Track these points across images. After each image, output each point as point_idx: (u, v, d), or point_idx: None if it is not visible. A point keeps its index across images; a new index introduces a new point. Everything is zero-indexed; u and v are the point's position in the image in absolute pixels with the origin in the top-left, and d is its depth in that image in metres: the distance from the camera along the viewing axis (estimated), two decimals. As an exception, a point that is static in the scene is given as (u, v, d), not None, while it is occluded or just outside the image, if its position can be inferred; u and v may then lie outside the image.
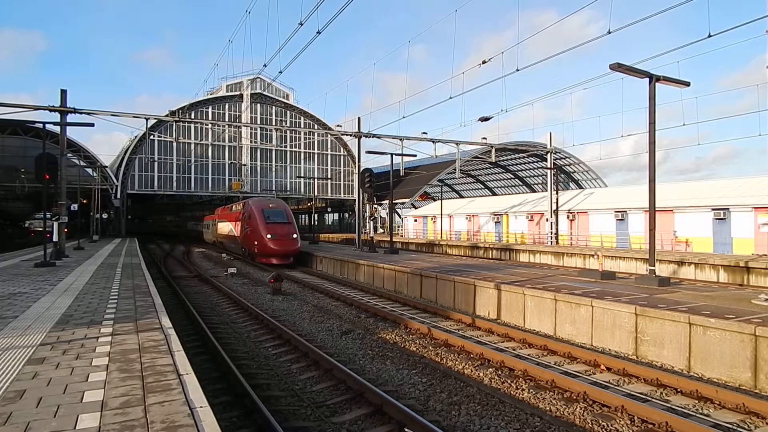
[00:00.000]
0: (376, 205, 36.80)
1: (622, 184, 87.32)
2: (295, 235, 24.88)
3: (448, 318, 11.81)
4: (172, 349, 5.28)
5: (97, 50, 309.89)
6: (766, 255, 19.28)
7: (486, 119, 22.72)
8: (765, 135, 21.96)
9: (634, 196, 30.84)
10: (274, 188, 57.00)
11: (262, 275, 21.12)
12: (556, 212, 32.42)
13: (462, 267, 16.60)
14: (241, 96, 55.02)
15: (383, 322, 11.38)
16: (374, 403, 6.15)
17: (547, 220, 32.36)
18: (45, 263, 14.96)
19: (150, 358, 4.88)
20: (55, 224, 17.40)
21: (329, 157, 61.19)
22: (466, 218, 44.72)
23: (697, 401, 6.42)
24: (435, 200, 56.07)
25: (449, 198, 60.34)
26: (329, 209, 72.34)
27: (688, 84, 12.79)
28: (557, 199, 33.20)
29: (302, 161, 59.66)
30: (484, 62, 16.71)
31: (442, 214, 45.47)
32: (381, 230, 51.48)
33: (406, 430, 5.37)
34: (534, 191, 51.91)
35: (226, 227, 33.36)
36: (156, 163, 51.55)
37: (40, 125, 17.47)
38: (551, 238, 31.53)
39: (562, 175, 50.51)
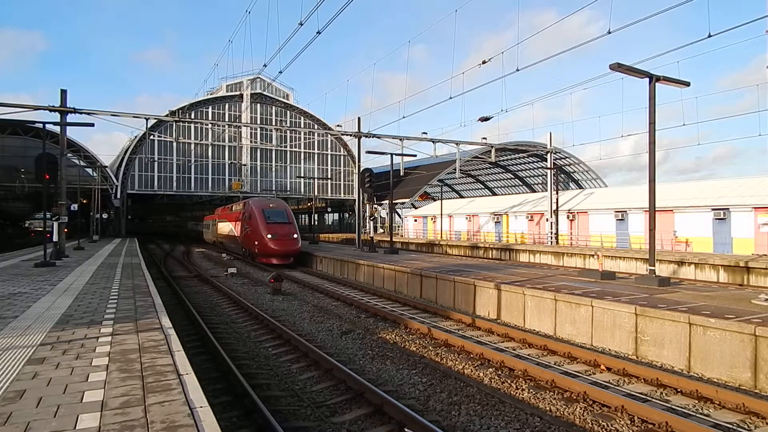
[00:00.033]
0: (376, 205, 36.81)
1: (622, 184, 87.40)
2: (295, 235, 24.87)
3: (448, 318, 11.81)
4: (172, 349, 5.28)
5: (97, 50, 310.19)
6: (766, 255, 19.28)
7: (486, 119, 22.72)
8: (765, 135, 21.98)
9: (634, 196, 30.85)
10: (274, 188, 57.00)
11: (262, 275, 21.12)
12: (556, 212, 32.42)
13: (462, 267, 16.60)
14: (241, 96, 55.03)
15: (383, 322, 11.38)
16: (374, 403, 6.15)
17: (547, 220, 32.36)
18: (45, 263, 14.96)
19: (150, 358, 4.88)
20: (55, 224, 17.40)
21: (329, 157, 61.20)
22: (466, 218, 44.72)
23: (697, 401, 6.42)
24: (435, 200, 56.07)
25: (449, 198, 60.34)
26: (329, 209, 72.36)
27: (688, 84, 12.79)
28: (557, 199, 33.20)
29: (302, 161, 59.67)
30: (484, 62, 16.72)
31: (442, 214, 45.47)
32: (381, 230, 51.48)
33: (406, 430, 5.37)
34: (534, 191, 51.91)
35: (226, 227, 33.35)
36: (156, 163, 51.55)
37: (40, 125, 17.47)
38: (551, 238, 31.53)
39: (562, 175, 50.51)
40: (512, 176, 59.33)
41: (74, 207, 31.52)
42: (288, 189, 58.35)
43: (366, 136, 25.88)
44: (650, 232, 12.05)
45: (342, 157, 61.28)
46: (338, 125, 38.32)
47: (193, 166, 53.50)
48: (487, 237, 41.34)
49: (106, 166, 49.15)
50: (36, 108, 18.96)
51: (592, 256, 21.85)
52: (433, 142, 26.48)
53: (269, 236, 24.07)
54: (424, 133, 27.41)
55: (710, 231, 26.27)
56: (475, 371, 7.66)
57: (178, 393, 3.87)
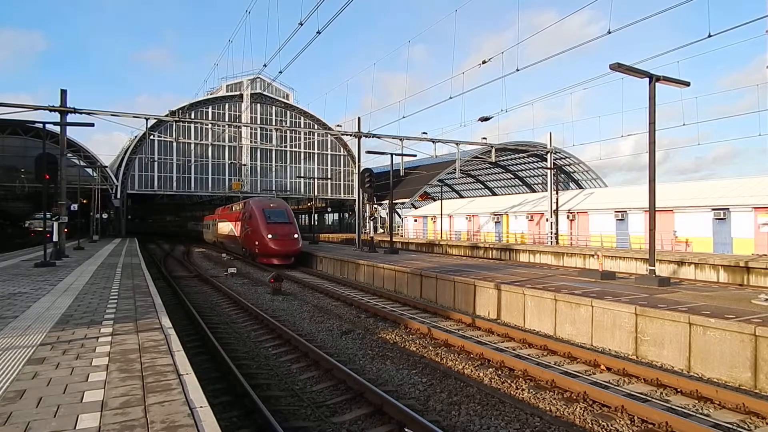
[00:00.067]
0: (376, 205, 36.82)
1: (622, 184, 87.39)
2: (296, 235, 24.85)
3: (448, 318, 11.81)
4: (172, 349, 5.28)
5: (97, 50, 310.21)
6: (766, 255, 19.28)
7: (486, 119, 22.72)
8: (765, 135, 22.03)
9: (634, 196, 30.84)
10: (274, 188, 57.01)
11: (262, 275, 21.12)
12: (556, 212, 32.42)
13: (462, 267, 16.60)
14: (241, 96, 55.03)
15: (383, 322, 11.38)
16: (374, 403, 6.15)
17: (547, 220, 32.36)
18: (45, 263, 14.96)
19: (150, 358, 4.88)
20: (55, 224, 17.40)
21: (329, 157, 61.20)
22: (466, 218, 44.72)
23: (697, 401, 6.42)
24: (435, 200, 56.07)
25: (449, 198, 60.35)
26: (329, 209, 72.37)
27: (688, 84, 12.79)
28: (557, 199, 33.20)
29: (302, 161, 59.67)
30: (484, 62, 16.72)
31: (442, 214, 45.47)
32: (381, 230, 51.48)
33: (406, 430, 5.37)
34: (534, 191, 51.91)
35: (226, 227, 33.34)
36: (156, 163, 51.55)
37: (40, 125, 17.47)
38: (551, 238, 31.53)
39: (562, 175, 50.51)
40: (512, 176, 59.33)
41: (74, 207, 31.52)
42: (288, 189, 58.36)
43: (366, 136, 25.88)
44: (650, 232, 12.06)
45: (342, 157, 61.28)
46: (338, 125, 38.34)
47: (193, 166, 53.50)
48: (487, 237, 41.34)
49: (106, 166, 49.15)
50: (36, 108, 18.97)
51: (592, 256, 21.85)
52: (433, 142, 26.48)
53: (270, 236, 24.05)
54: (424, 133, 27.43)
55: (710, 231, 26.27)
56: (475, 371, 7.66)
57: (178, 393, 3.87)
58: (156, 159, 51.41)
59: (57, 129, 20.05)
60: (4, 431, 3.17)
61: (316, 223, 69.03)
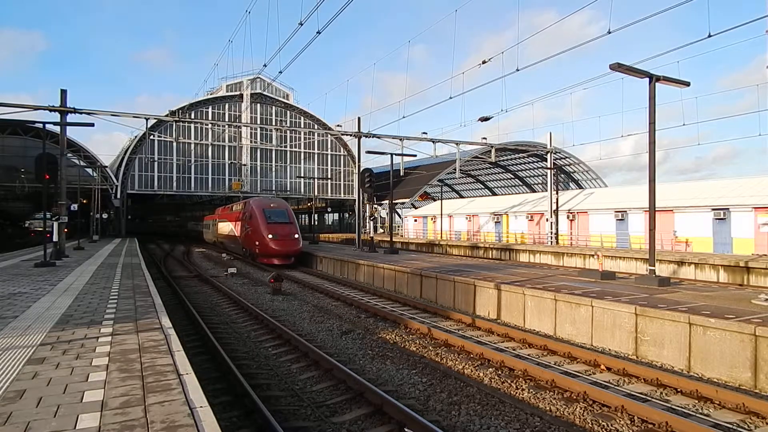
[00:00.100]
0: (376, 205, 36.83)
1: (622, 184, 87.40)
2: (296, 235, 24.83)
3: (448, 318, 11.81)
4: (172, 349, 5.29)
5: (97, 50, 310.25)
6: (766, 255, 19.28)
7: (486, 119, 22.72)
8: (765, 135, 22.03)
9: (634, 196, 30.84)
10: (274, 188, 57.01)
11: (262, 275, 21.12)
12: (556, 212, 32.42)
13: (462, 267, 16.60)
14: (241, 96, 55.03)
15: (383, 322, 11.38)
16: (374, 403, 6.15)
17: (547, 220, 32.36)
18: (45, 263, 14.96)
19: (150, 358, 4.88)
20: (55, 224, 17.40)
21: (329, 157, 61.20)
22: (466, 218, 44.72)
23: (697, 401, 6.42)
24: (435, 200, 56.08)
25: (449, 198, 60.35)
26: (329, 209, 72.38)
27: (688, 84, 12.79)
28: (557, 199, 33.20)
29: (302, 161, 59.67)
30: (484, 62, 16.72)
31: (442, 214, 45.47)
32: (381, 230, 51.49)
33: (406, 430, 5.37)
34: (534, 191, 51.91)
35: (226, 227, 33.32)
36: (156, 163, 51.55)
37: (40, 125, 17.47)
38: (551, 238, 31.53)
39: (562, 175, 50.51)
40: (512, 176, 59.33)
41: (74, 207, 31.52)
42: (288, 189, 58.36)
43: (366, 136, 25.88)
44: (650, 232, 12.05)
45: (342, 157, 61.28)
46: (338, 125, 38.34)
47: (193, 166, 53.50)
48: (487, 237, 41.34)
49: (106, 166, 49.15)
50: (36, 108, 18.97)
51: (592, 256, 21.85)
52: (433, 142, 26.48)
53: (270, 236, 24.03)
54: (424, 133, 27.43)
55: (710, 231, 26.27)
56: (475, 371, 7.66)
57: (178, 393, 3.87)
58: (156, 159, 51.41)
59: (57, 129, 20.06)
60: (4, 431, 3.17)
61: (316, 223, 69.04)
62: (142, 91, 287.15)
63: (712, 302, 9.31)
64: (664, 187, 28.78)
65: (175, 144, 49.12)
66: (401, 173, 27.48)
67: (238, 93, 55.24)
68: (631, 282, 12.58)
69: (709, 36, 11.77)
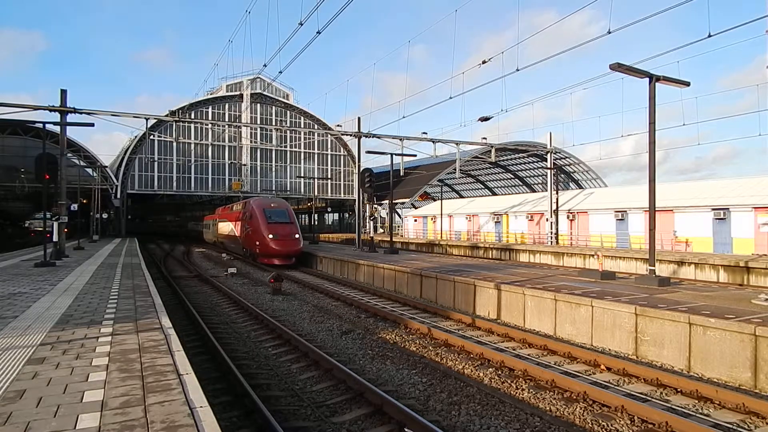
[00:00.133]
0: (376, 205, 36.86)
1: (622, 184, 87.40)
2: (297, 235, 24.79)
3: (448, 318, 11.81)
4: (172, 349, 5.28)
5: (97, 50, 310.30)
6: (766, 255, 19.28)
7: (486, 119, 22.72)
8: (765, 135, 22.04)
9: (634, 196, 30.84)
10: (274, 188, 57.02)
11: (262, 275, 21.12)
12: (556, 212, 32.42)
13: (462, 267, 16.60)
14: (241, 96, 55.03)
15: (383, 322, 11.38)
16: (374, 403, 6.15)
17: (547, 220, 32.36)
18: (45, 263, 14.96)
19: (150, 358, 4.88)
20: (55, 224, 17.40)
21: (329, 157, 61.21)
22: (466, 218, 44.72)
23: (697, 401, 6.42)
24: (435, 200, 56.08)
25: (449, 198, 60.35)
26: (329, 209, 72.38)
27: (688, 84, 12.79)
28: (557, 199, 33.20)
29: (302, 161, 59.67)
30: (484, 62, 16.72)
31: (442, 214, 45.47)
32: (381, 230, 51.49)
33: (406, 430, 5.37)
34: (534, 191, 51.91)
35: (226, 227, 33.31)
36: (156, 163, 51.56)
37: (40, 125, 17.47)
38: (551, 238, 31.53)
39: (562, 175, 50.51)
40: (512, 176, 59.33)
41: (74, 207, 31.52)
42: (288, 189, 58.36)
43: (366, 136, 25.88)
44: (650, 232, 12.05)
45: (342, 157, 61.28)
46: (338, 125, 38.35)
47: (193, 166, 53.51)
48: (487, 237, 41.34)
49: (106, 166, 49.15)
50: (36, 108, 18.97)
51: (592, 256, 21.85)
52: (433, 142, 26.48)
53: (271, 236, 23.99)
54: (424, 133, 27.43)
55: (710, 231, 26.27)
56: (475, 371, 7.66)
57: (178, 393, 3.87)
58: (156, 159, 51.42)
59: (57, 129, 20.06)
60: (4, 431, 3.17)
61: (316, 223, 69.06)
62: (142, 91, 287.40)
63: (712, 302, 9.31)
64: (664, 187, 28.79)
65: (175, 144, 49.12)
66: (401, 173, 27.47)
67: (238, 93, 55.24)
68: (631, 282, 12.58)
69: (709, 36, 11.77)
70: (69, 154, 38.29)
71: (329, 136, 56.40)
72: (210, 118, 52.46)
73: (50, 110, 18.82)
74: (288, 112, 58.11)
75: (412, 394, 6.76)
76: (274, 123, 55.95)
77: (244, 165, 55.57)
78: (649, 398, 6.53)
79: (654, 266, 12.12)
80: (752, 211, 24.45)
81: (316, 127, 56.83)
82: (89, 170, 48.59)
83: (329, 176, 59.41)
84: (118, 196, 48.54)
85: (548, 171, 33.01)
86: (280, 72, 54.90)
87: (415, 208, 56.48)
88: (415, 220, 52.58)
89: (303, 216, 69.96)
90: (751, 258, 17.96)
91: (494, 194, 61.18)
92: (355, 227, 30.84)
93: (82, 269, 14.58)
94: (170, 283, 18.16)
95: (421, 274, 15.10)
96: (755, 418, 5.85)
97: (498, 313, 11.88)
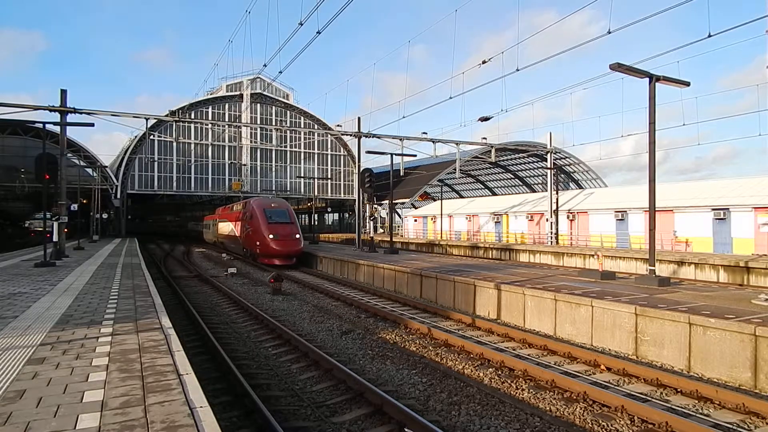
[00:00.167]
0: (376, 205, 36.86)
1: (622, 184, 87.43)
2: (297, 236, 24.77)
3: (448, 318, 11.81)
4: (172, 349, 5.28)
5: (97, 50, 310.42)
6: (766, 255, 19.28)
7: (486, 119, 22.72)
8: (765, 135, 22.03)
9: (634, 196, 30.84)
10: (274, 188, 57.01)
11: (262, 275, 21.12)
12: (556, 212, 32.42)
13: (462, 267, 16.60)
14: (241, 96, 55.03)
15: (383, 322, 11.38)
16: (374, 403, 6.15)
17: (547, 220, 32.36)
18: (45, 263, 14.96)
19: (150, 358, 4.88)
20: (55, 224, 17.39)
21: (329, 157, 61.20)
22: (466, 218, 44.72)
23: (697, 401, 6.42)
24: (435, 200, 56.08)
25: (449, 198, 60.35)
26: (329, 209, 72.38)
27: (688, 84, 12.79)
28: (557, 199, 33.20)
29: (302, 161, 59.67)
30: (484, 62, 16.71)
31: (442, 214, 45.47)
32: (381, 230, 51.49)
33: (406, 430, 5.37)
34: (534, 191, 51.91)
35: (227, 227, 33.29)
36: (156, 163, 51.55)
37: (40, 125, 17.47)
38: (551, 238, 31.53)
39: (562, 175, 50.51)
40: (512, 176, 59.33)
41: (74, 207, 31.52)
42: (288, 189, 58.36)
43: (366, 136, 25.88)
44: (650, 232, 12.05)
45: (342, 157, 61.28)
46: (338, 125, 38.35)
47: (193, 166, 53.50)
48: (487, 237, 41.34)
49: (106, 166, 49.15)
50: (36, 108, 18.96)
51: (592, 256, 21.85)
52: (433, 142, 26.48)
53: (271, 236, 23.97)
54: (424, 133, 27.43)
55: (710, 231, 26.27)
56: (475, 371, 7.66)
57: (178, 393, 3.87)
58: (156, 159, 51.41)
59: (57, 129, 20.05)
60: (4, 431, 3.17)
61: (316, 223, 69.06)
62: (142, 91, 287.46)
63: (712, 302, 9.31)
64: (664, 187, 28.79)
65: (175, 144, 49.11)
66: (401, 173, 27.47)
67: (238, 93, 55.24)
68: (631, 282, 12.58)
69: (709, 36, 11.77)
70: (69, 154, 38.30)
71: (329, 136, 56.40)
72: (210, 118, 52.45)
73: (50, 110, 18.82)
74: (288, 112, 58.11)
75: (412, 394, 6.76)
76: (274, 123, 55.95)
77: (244, 165, 55.57)
78: (649, 398, 6.53)
79: (654, 266, 12.12)
80: (752, 211, 24.45)
81: (316, 127, 56.83)
82: (89, 170, 48.59)
83: (329, 176, 59.41)
84: (118, 196, 48.53)
85: (548, 171, 33.01)
86: (280, 72, 54.94)
87: (415, 208, 56.47)
88: (415, 220, 52.58)
89: (303, 216, 69.94)
90: (751, 258, 17.96)
91: (494, 194, 61.18)
92: (355, 227, 30.83)
93: (82, 269, 14.58)
94: (170, 283, 18.16)
95: (421, 274, 15.10)
96: (755, 418, 5.85)
97: (498, 313, 11.88)
